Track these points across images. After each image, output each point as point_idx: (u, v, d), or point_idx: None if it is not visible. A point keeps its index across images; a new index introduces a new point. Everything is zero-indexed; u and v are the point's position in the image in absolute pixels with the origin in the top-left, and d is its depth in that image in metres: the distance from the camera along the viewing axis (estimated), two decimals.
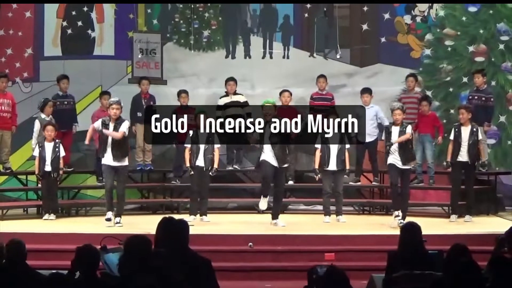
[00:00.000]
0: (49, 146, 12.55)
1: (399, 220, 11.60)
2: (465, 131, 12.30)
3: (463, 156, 12.30)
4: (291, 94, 13.86)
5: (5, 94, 13.55)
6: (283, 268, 10.24)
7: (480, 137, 12.51)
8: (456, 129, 12.38)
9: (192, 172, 12.29)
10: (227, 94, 13.97)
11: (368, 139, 13.41)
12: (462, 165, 12.38)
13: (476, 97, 13.43)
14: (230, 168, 14.28)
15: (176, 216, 6.18)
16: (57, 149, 12.56)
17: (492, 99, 13.49)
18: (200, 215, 12.25)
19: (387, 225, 11.80)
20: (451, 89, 14.80)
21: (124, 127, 11.71)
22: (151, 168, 14.17)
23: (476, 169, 13.15)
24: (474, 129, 12.34)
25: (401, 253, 6.88)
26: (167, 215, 6.13)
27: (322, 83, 14.03)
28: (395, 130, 11.85)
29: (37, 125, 13.07)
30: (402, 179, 11.85)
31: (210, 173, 12.28)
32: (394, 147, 11.80)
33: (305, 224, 12.37)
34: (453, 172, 12.65)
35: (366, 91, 13.73)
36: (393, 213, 11.98)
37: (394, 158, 11.80)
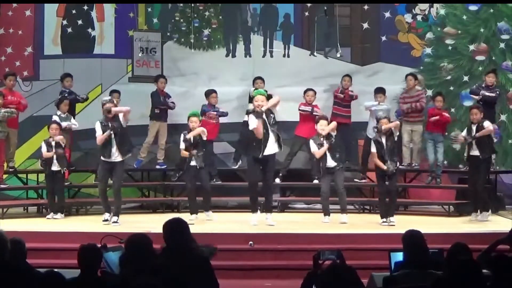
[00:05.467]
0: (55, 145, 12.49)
1: (390, 222, 11.69)
2: (475, 128, 12.25)
3: (475, 151, 12.26)
4: (315, 93, 14.12)
5: (13, 92, 13.59)
6: (284, 267, 10.24)
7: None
8: (468, 129, 12.34)
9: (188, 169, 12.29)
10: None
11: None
12: (474, 160, 12.31)
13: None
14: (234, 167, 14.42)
15: (176, 215, 6.21)
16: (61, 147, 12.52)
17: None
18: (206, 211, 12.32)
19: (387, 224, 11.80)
20: (451, 88, 14.79)
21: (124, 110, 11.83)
22: (166, 167, 14.29)
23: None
24: (482, 125, 12.25)
25: (407, 263, 6.74)
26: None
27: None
28: (384, 138, 11.87)
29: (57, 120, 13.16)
30: (390, 179, 11.86)
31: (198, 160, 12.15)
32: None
33: (305, 222, 12.36)
34: (469, 171, 12.65)
35: (380, 90, 14.01)
36: (385, 219, 11.90)
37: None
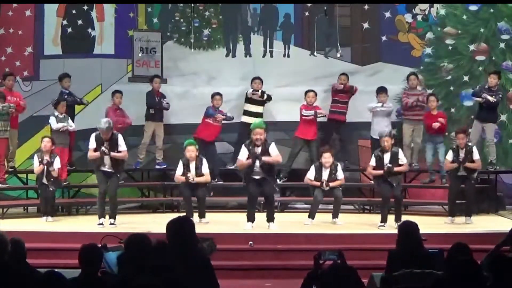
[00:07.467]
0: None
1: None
2: (462, 152, 12.26)
3: (461, 171, 12.29)
4: (316, 94, 14.06)
5: (13, 92, 13.58)
6: (283, 267, 10.24)
7: (475, 139, 12.43)
8: (455, 152, 12.31)
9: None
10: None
11: None
12: (461, 178, 12.35)
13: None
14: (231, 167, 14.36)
15: (176, 215, 6.19)
16: (52, 163, 12.35)
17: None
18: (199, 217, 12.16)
19: (388, 224, 11.77)
20: (451, 88, 14.79)
21: (123, 144, 11.66)
22: (166, 166, 14.21)
23: (484, 168, 13.21)
24: (468, 149, 12.27)
25: (400, 252, 6.85)
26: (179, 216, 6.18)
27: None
28: (386, 156, 11.81)
29: (53, 121, 13.12)
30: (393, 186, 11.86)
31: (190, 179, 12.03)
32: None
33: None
34: (451, 182, 12.64)
35: (383, 90, 14.00)
36: (382, 224, 11.79)
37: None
